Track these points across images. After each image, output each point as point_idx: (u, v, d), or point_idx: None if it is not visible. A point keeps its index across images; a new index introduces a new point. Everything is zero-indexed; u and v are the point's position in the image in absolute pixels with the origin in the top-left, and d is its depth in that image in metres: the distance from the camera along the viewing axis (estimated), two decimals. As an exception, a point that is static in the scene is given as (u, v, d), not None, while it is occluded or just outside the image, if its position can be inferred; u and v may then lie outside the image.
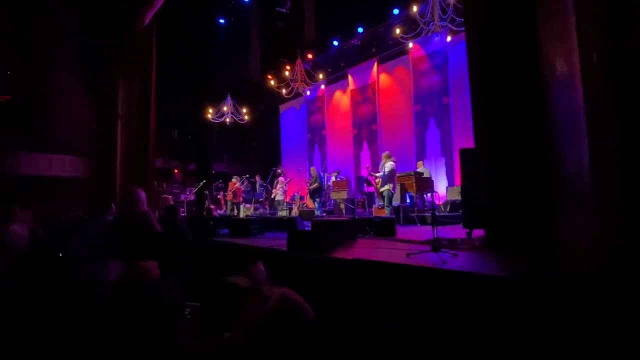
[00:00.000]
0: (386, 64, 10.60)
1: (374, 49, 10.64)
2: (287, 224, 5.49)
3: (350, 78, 11.50)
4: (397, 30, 8.89)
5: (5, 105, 12.27)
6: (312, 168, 8.67)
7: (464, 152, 4.20)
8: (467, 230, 4.22)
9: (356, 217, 5.78)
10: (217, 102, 12.71)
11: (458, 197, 6.63)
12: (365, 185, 7.19)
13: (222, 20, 12.33)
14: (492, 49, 3.34)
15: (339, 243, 3.95)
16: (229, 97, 12.53)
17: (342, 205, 7.32)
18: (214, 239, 5.52)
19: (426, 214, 6.42)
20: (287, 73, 11.41)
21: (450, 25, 7.75)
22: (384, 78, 10.71)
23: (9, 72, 12.70)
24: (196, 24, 12.22)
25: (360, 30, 10.70)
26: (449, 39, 8.63)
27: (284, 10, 10.65)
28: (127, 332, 1.23)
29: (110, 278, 2.00)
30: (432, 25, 7.79)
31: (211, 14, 12.02)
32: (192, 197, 11.85)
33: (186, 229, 3.52)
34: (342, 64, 11.58)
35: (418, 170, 7.33)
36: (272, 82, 11.86)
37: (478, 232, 4.02)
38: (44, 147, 11.64)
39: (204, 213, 7.95)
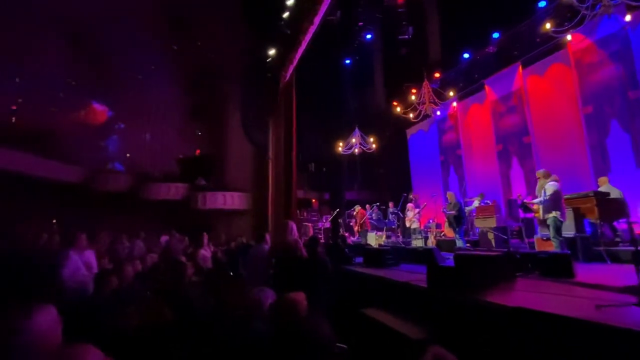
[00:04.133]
0: (534, 66, 8.98)
1: (515, 52, 9.26)
2: (424, 256, 5.08)
3: (487, 89, 10.25)
4: (548, 25, 7.49)
5: (197, 157, 16.87)
6: (449, 193, 7.88)
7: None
8: None
9: (511, 250, 4.82)
10: (346, 135, 13.56)
11: (676, 225, 4.68)
12: (520, 210, 5.96)
13: (347, 61, 13.39)
14: None
15: (492, 283, 3.34)
16: (356, 129, 13.18)
17: (491, 235, 6.26)
18: (349, 267, 5.62)
19: (621, 247, 4.78)
20: (413, 97, 11.19)
21: (628, 1, 5.98)
22: (533, 82, 9.06)
23: (199, 132, 17.46)
24: (326, 68, 13.67)
25: (495, 35, 9.61)
26: (627, 17, 6.65)
27: (406, 37, 10.67)
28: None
29: (265, 304, 2.24)
30: (599, 7, 6.18)
31: (338, 57, 13.24)
32: (328, 225, 12.70)
33: (327, 259, 3.70)
34: (475, 76, 10.51)
35: (600, 189, 5.62)
36: (398, 109, 11.82)
37: None
38: (221, 186, 15.00)
39: (339, 241, 8.28)
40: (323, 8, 9.14)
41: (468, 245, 7.09)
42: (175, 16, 14.32)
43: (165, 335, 2.28)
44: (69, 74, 14.87)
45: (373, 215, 10.03)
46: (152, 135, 17.25)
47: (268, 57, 11.30)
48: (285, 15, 9.90)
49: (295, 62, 10.74)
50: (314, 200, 18.38)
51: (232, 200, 14.73)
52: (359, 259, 6.06)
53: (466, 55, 10.52)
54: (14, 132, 12.12)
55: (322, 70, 13.67)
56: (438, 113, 11.74)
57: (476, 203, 7.88)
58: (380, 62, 13.81)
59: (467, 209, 8.04)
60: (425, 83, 10.59)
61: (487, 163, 10.10)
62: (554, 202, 5.05)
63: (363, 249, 6.27)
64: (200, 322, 2.30)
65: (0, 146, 10.52)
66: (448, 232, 8.31)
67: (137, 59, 14.67)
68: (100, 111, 17.13)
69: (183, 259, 5.13)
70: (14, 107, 14.61)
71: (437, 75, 11.07)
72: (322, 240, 10.35)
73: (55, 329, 1.19)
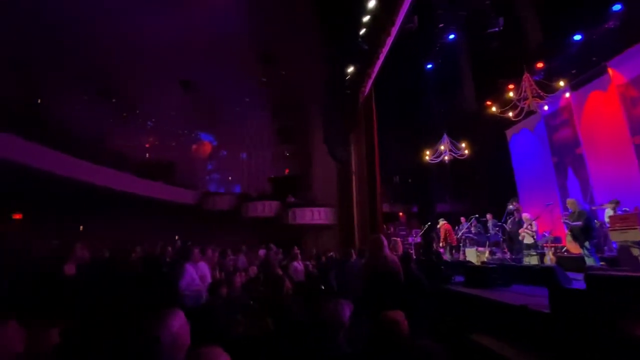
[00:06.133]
0: (681, 35, 7.05)
1: (649, 23, 7.45)
2: (543, 275, 4.29)
3: (611, 72, 8.43)
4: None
5: (286, 176, 18.25)
6: (569, 200, 6.54)
7: None
8: None
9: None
10: (433, 143, 12.75)
11: None
12: (679, 219, 4.55)
13: (429, 66, 12.73)
14: None
15: (649, 313, 2.58)
16: (445, 136, 12.30)
17: (637, 252, 4.93)
18: (449, 287, 5.11)
19: None
20: (510, 93, 9.93)
21: None
22: (681, 54, 7.11)
23: (287, 153, 18.87)
24: (406, 76, 13.24)
25: (616, 7, 7.93)
26: None
27: (496, 29, 9.61)
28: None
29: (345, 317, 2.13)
30: None
31: (419, 63, 12.70)
32: (418, 240, 11.95)
33: (422, 276, 3.44)
34: (593, 59, 8.77)
35: None
36: (494, 108, 10.62)
37: None
38: (309, 202, 15.71)
39: (434, 257, 7.64)
40: (400, 18, 8.98)
41: (602, 263, 5.73)
42: (262, 51, 16.02)
43: (266, 344, 2.40)
44: (183, 114, 18.00)
45: (472, 229, 9.05)
46: (248, 159, 19.41)
47: (347, 74, 11.54)
48: (362, 32, 10.02)
49: (373, 75, 10.73)
50: (400, 214, 17.62)
51: (319, 215, 15.25)
52: (459, 278, 5.48)
53: (577, 37, 8.90)
54: (148, 166, 15.15)
55: (403, 79, 13.28)
56: (545, 108, 10.10)
57: (609, 211, 6.37)
58: (468, 61, 12.70)
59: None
60: (526, 76, 9.29)
61: (621, 162, 8.16)
62: None
63: (464, 266, 5.66)
64: (296, 333, 2.35)
65: (139, 177, 13.21)
66: (571, 247, 6.88)
67: (234, 93, 16.86)
68: (207, 142, 20.13)
69: (279, 271, 5.44)
70: (148, 145, 18.33)
71: (539, 65, 9.62)
72: (414, 257, 9.76)
73: (186, 332, 1.32)
